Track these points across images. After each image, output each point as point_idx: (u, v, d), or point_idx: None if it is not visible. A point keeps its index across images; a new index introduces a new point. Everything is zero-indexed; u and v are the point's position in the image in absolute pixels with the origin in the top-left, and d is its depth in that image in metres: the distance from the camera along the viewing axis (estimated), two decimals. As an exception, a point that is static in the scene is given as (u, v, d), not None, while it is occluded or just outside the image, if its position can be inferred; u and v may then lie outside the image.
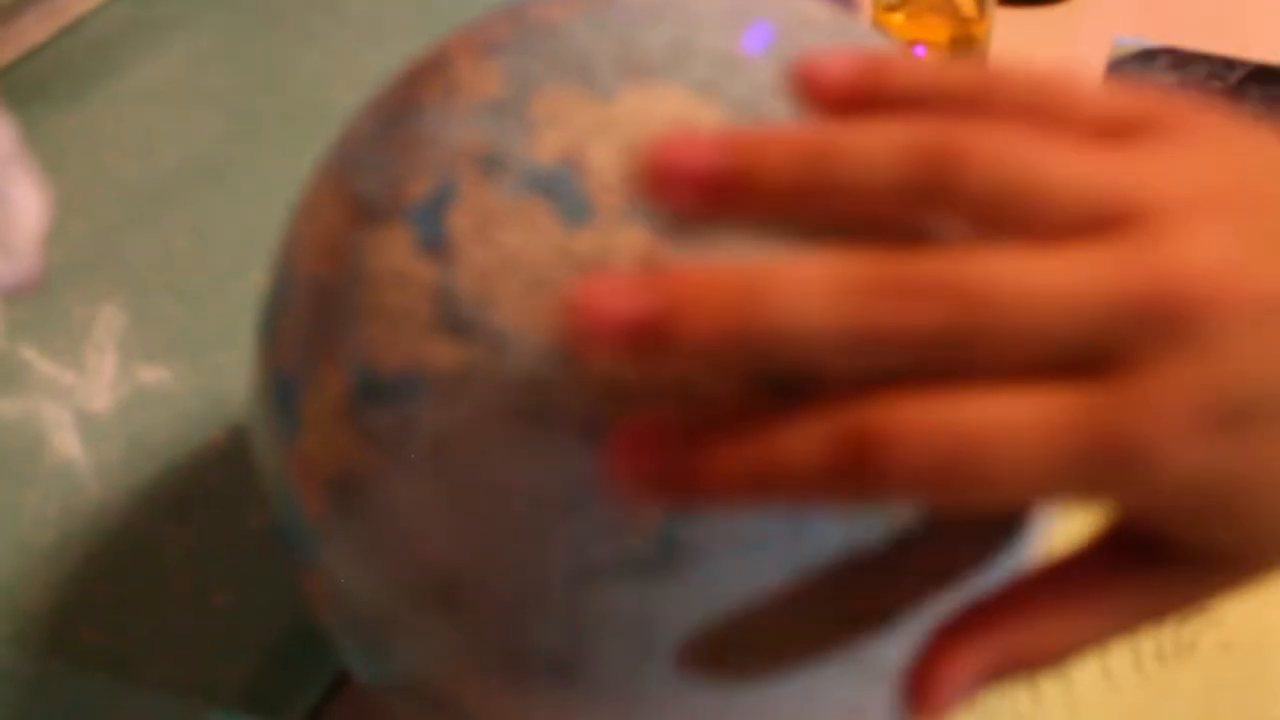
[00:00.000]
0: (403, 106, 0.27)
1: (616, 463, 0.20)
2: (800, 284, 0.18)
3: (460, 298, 0.24)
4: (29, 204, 0.41)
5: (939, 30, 0.61)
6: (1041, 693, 0.37)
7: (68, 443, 0.46)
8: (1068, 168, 0.19)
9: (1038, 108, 0.20)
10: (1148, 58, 0.64)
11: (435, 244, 0.25)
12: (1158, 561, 0.21)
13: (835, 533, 0.23)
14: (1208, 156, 0.20)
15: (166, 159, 0.58)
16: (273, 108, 0.60)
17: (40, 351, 0.49)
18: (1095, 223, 0.19)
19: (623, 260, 0.23)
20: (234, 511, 0.43)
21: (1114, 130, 0.20)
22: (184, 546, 0.43)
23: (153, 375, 0.48)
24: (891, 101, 0.21)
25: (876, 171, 0.19)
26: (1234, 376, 0.18)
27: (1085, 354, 0.18)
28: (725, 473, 0.19)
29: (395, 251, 0.25)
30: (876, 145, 0.19)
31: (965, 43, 0.62)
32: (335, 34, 0.64)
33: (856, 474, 0.18)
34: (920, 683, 0.21)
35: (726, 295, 0.18)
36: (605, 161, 0.24)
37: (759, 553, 0.23)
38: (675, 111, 0.25)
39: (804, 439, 0.19)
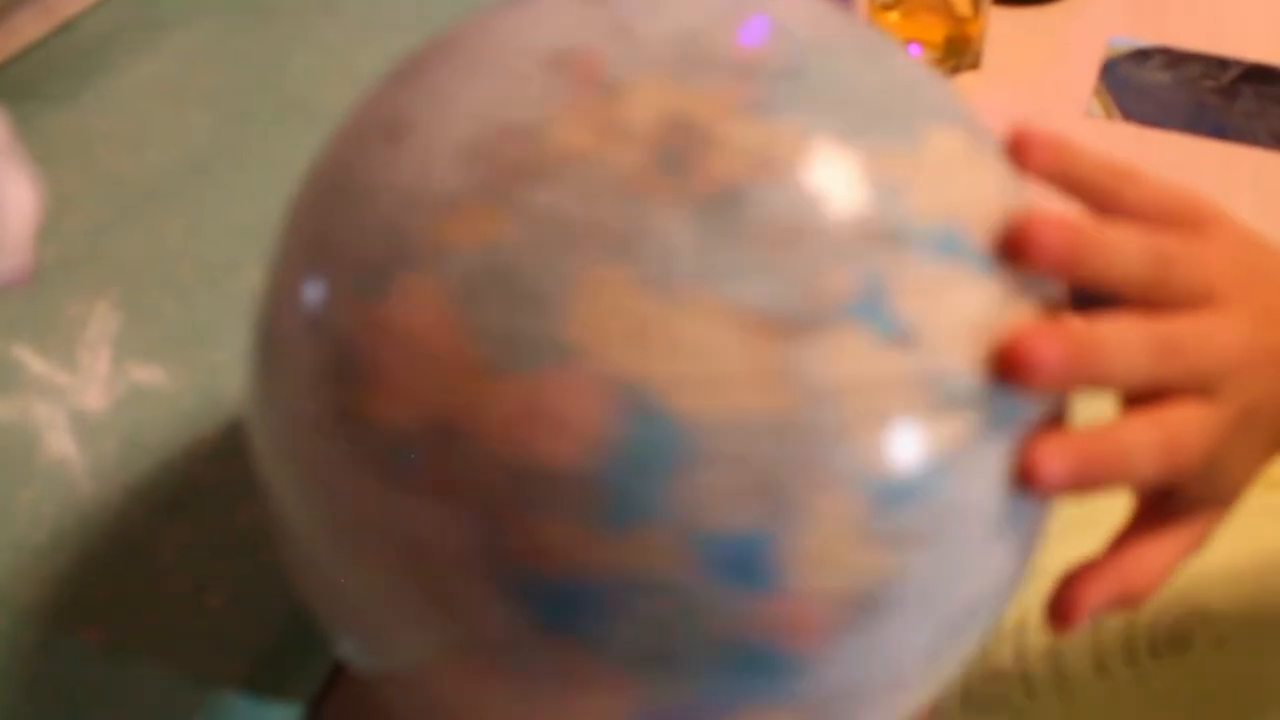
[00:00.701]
0: (710, 190, 0.25)
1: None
2: (1118, 343, 0.28)
3: (946, 374, 0.25)
4: (21, 199, 0.41)
5: (934, 29, 0.61)
6: (1036, 689, 0.37)
7: (61, 442, 0.46)
8: (1191, 259, 0.29)
9: (1150, 207, 0.31)
10: (1141, 57, 0.65)
11: (894, 333, 0.25)
12: (1184, 505, 0.32)
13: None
14: (1224, 249, 0.30)
15: (160, 156, 0.58)
16: (266, 105, 0.60)
17: (33, 350, 0.49)
18: (1198, 297, 0.30)
19: (1031, 300, 0.27)
20: (228, 508, 0.43)
21: (1170, 223, 0.31)
22: (179, 544, 0.42)
23: (146, 373, 0.48)
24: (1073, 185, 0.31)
25: (1128, 262, 0.28)
26: (1248, 399, 0.30)
27: (1200, 383, 0.29)
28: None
29: (853, 356, 0.24)
30: (1130, 245, 0.28)
31: (960, 42, 0.62)
32: (328, 32, 0.64)
33: (1168, 454, 0.28)
34: (1060, 608, 0.31)
35: (1080, 346, 0.27)
36: (971, 213, 0.27)
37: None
38: (962, 154, 0.27)
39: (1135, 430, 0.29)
